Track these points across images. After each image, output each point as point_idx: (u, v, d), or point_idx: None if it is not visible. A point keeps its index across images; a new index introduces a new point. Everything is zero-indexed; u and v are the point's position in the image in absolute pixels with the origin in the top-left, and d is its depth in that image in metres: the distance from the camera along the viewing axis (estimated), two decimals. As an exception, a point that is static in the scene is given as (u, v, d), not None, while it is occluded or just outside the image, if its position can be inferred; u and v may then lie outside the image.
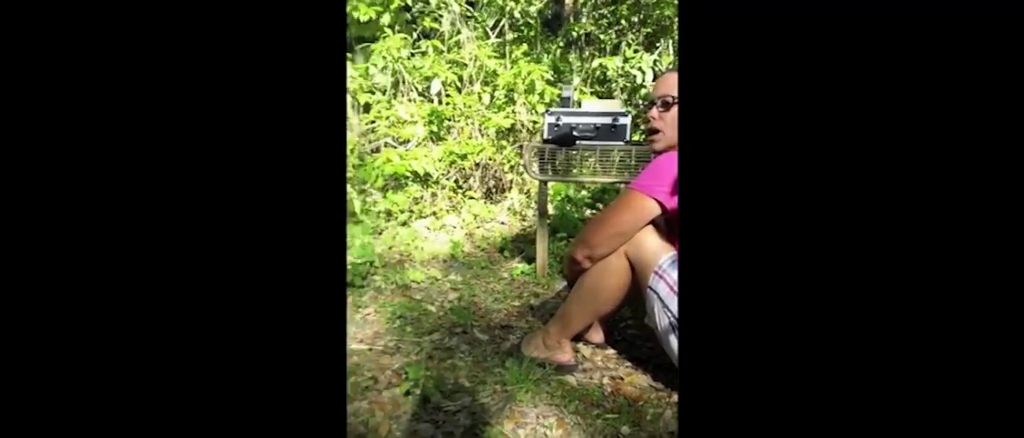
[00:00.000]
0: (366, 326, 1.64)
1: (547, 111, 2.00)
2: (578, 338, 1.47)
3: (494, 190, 3.20)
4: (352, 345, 1.49)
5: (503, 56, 3.15)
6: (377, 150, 3.27)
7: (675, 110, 1.28)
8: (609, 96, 3.34)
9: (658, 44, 3.48)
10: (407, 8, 3.24)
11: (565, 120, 1.97)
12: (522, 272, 2.14)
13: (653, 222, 1.22)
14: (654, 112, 1.31)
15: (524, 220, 2.93)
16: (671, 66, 3.34)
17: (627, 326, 1.63)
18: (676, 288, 1.16)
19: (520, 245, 2.50)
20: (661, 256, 1.20)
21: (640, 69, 3.22)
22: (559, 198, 3.01)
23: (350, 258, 2.22)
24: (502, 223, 2.89)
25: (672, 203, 1.18)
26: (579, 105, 2.10)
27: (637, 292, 1.27)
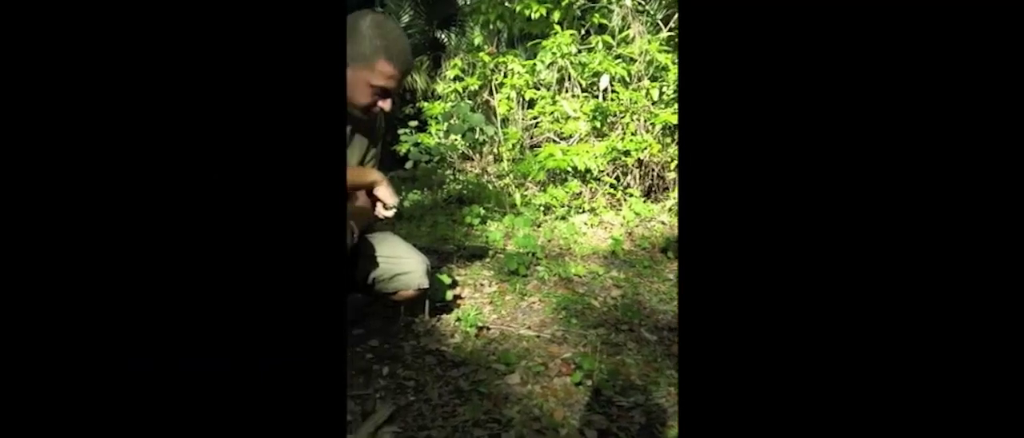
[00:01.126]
0: (532, 314, 1.67)
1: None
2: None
3: (655, 189, 3.11)
4: (521, 331, 1.53)
5: (675, 50, 3.03)
6: (538, 145, 3.34)
7: None
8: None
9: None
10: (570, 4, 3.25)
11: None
12: (688, 275, 2.05)
13: None
14: None
15: (687, 222, 2.80)
16: None
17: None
18: None
19: (684, 247, 2.39)
20: None
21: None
22: (727, 201, 2.84)
23: (512, 248, 2.29)
24: (663, 223, 2.80)
25: None
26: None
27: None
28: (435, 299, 1.57)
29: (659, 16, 3.24)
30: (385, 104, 1.21)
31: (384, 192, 1.26)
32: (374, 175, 1.27)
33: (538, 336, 1.50)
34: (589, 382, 1.24)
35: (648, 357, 1.38)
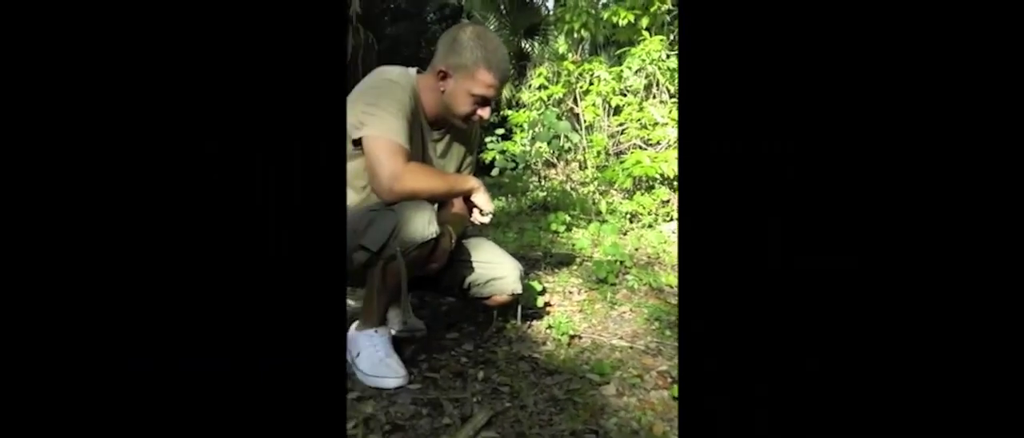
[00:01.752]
0: (623, 324, 1.63)
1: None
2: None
3: (749, 198, 2.97)
4: (613, 341, 1.50)
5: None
6: (624, 152, 3.28)
7: None
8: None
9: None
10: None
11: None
12: (789, 288, 1.93)
13: None
14: None
15: (785, 233, 2.65)
16: None
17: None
18: None
19: (783, 259, 2.26)
20: None
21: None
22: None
23: (599, 256, 2.26)
24: (758, 234, 2.67)
25: None
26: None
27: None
28: (526, 305, 1.58)
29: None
30: (484, 112, 1.23)
31: (481, 198, 1.29)
32: (471, 182, 1.29)
33: (631, 346, 1.47)
34: (688, 397, 1.19)
35: (750, 374, 1.32)
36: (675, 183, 2.91)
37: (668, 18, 3.26)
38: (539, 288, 1.68)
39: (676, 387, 1.22)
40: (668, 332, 1.56)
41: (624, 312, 1.72)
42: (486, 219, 1.31)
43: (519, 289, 1.38)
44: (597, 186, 3.18)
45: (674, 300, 1.84)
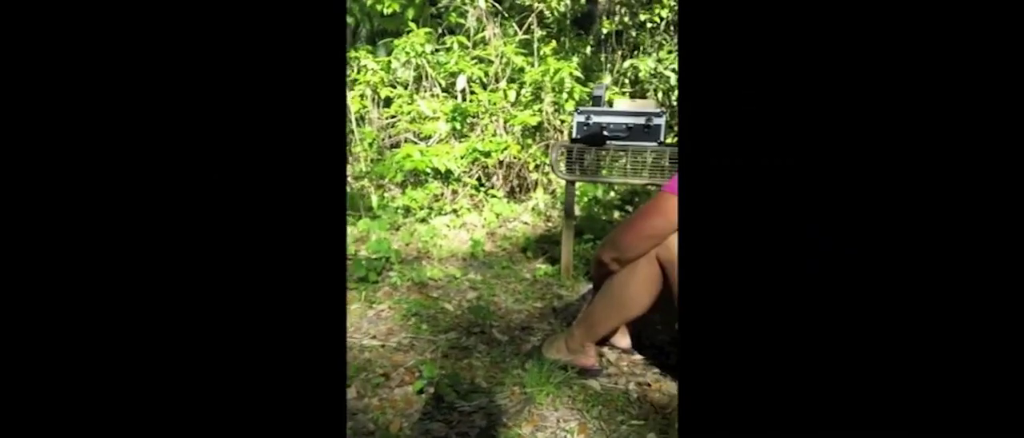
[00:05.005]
0: (379, 323, 1.57)
1: (577, 110, 1.92)
2: (603, 342, 1.38)
3: (518, 189, 3.13)
4: (364, 341, 1.42)
5: (531, 54, 3.08)
6: (397, 145, 3.22)
7: None
8: (643, 96, 3.24)
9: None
10: (433, 2, 3.19)
11: (595, 119, 1.89)
12: (545, 273, 2.06)
13: None
14: None
15: (549, 221, 2.85)
16: None
17: (656, 332, 1.54)
18: None
19: (544, 246, 2.42)
20: None
21: (673, 70, 3.12)
22: (586, 199, 2.92)
23: (365, 253, 2.16)
24: (525, 223, 2.82)
25: None
26: (611, 104, 2.02)
27: (667, 297, 1.18)
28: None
29: (514, 19, 3.27)
30: None
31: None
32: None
33: (383, 345, 1.41)
34: (432, 390, 1.17)
35: (496, 358, 1.35)
36: (448, 177, 2.93)
37: (435, 12, 3.28)
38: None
39: (419, 382, 1.19)
40: (424, 326, 1.53)
41: (383, 310, 1.66)
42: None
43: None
44: (371, 180, 3.07)
45: (436, 294, 1.83)
